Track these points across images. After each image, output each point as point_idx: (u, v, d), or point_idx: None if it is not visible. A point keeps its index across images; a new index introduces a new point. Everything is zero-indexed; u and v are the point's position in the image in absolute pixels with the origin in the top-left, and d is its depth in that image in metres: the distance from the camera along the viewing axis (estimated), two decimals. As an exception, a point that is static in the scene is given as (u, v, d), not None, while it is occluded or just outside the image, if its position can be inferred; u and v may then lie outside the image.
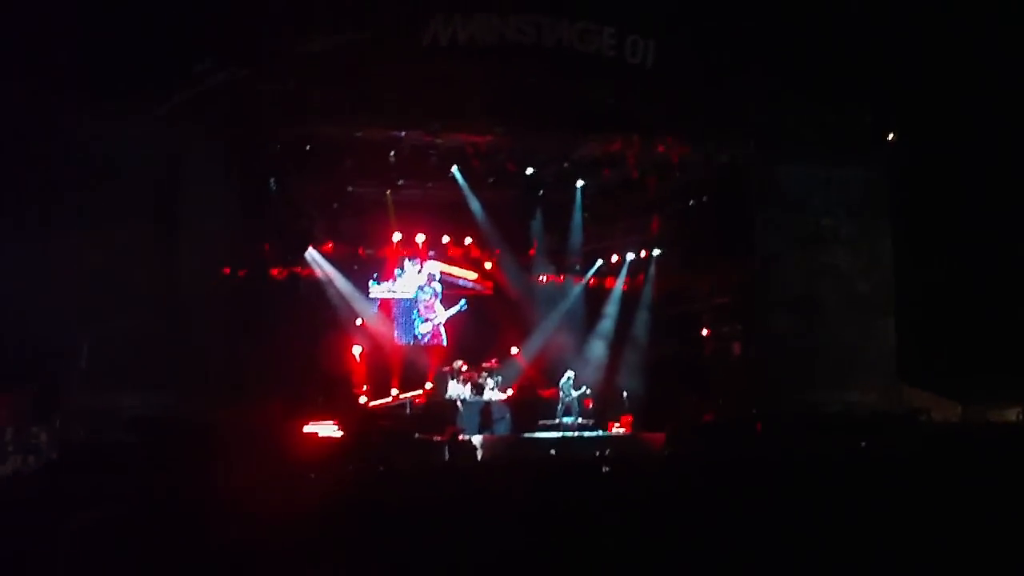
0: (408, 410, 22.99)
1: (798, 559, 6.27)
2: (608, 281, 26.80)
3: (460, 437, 19.55)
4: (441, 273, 26.30)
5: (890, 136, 23.27)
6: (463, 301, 26.18)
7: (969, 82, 21.68)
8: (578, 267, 26.67)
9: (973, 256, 22.13)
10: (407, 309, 26.00)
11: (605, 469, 11.09)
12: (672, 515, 7.38)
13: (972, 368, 21.30)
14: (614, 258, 26.73)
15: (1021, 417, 19.87)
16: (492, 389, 23.46)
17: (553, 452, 17.47)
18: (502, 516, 7.41)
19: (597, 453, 15.93)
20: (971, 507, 7.21)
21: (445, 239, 25.94)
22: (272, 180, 22.65)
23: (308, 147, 21.75)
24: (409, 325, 25.92)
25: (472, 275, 26.51)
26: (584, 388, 23.49)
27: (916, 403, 21.49)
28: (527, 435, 21.96)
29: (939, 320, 22.39)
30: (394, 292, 25.82)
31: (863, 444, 13.14)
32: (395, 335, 25.59)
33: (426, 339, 25.94)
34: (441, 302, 26.20)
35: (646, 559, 6.31)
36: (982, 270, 22.01)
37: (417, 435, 19.90)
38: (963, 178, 22.35)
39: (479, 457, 18.59)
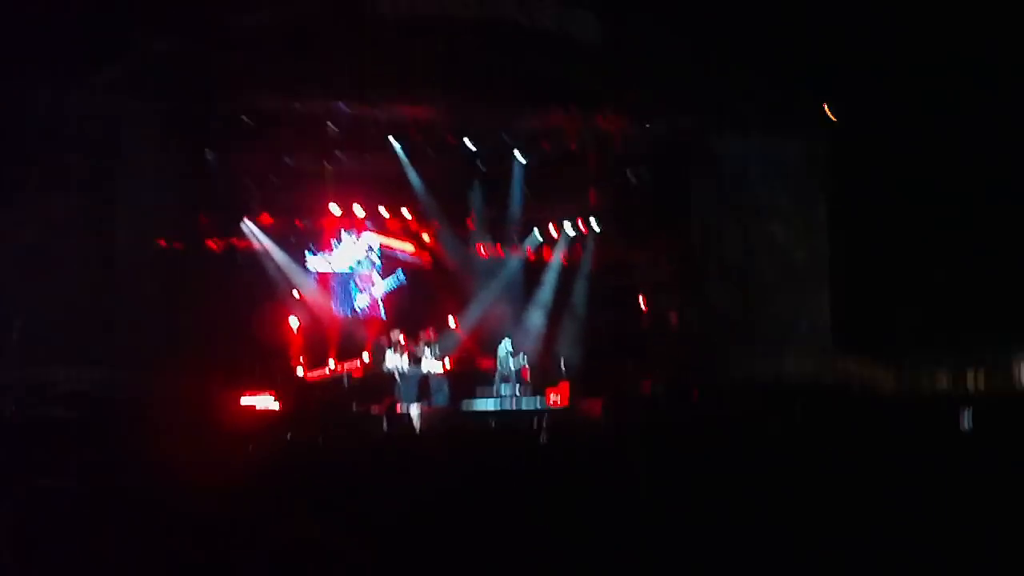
0: (346, 382, 22.97)
1: (733, 526, 6.35)
2: (546, 253, 26.85)
3: (397, 408, 19.60)
4: (379, 245, 26.23)
5: (827, 108, 23.49)
6: (400, 272, 26.18)
7: (907, 53, 21.89)
8: (516, 239, 26.69)
9: (908, 227, 22.41)
10: (344, 281, 25.94)
11: (543, 439, 11.15)
12: (609, 483, 7.45)
13: (906, 337, 21.63)
14: (553, 231, 26.74)
15: (950, 384, 20.24)
16: (430, 360, 23.49)
17: (492, 423, 17.51)
18: (440, 486, 7.45)
19: (534, 422, 16.02)
20: (900, 475, 7.34)
21: (383, 211, 25.84)
22: (209, 151, 22.47)
23: (245, 118, 21.61)
24: (347, 297, 25.87)
25: (410, 247, 26.48)
26: (522, 356, 23.61)
27: (851, 372, 21.82)
28: (464, 406, 22.03)
29: (873, 291, 22.70)
30: (331, 264, 25.75)
31: (797, 411, 13.32)
32: (333, 307, 25.51)
33: (364, 311, 25.91)
34: (379, 274, 26.17)
35: (582, 528, 6.37)
36: (916, 242, 22.30)
37: (354, 406, 19.91)
38: (898, 150, 22.60)
39: (417, 428, 18.64)
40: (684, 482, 7.15)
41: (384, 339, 23.78)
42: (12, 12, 18.10)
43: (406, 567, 5.51)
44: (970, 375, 20.79)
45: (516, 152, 25.02)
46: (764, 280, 23.19)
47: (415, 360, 23.33)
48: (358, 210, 25.51)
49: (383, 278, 26.17)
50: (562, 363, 23.96)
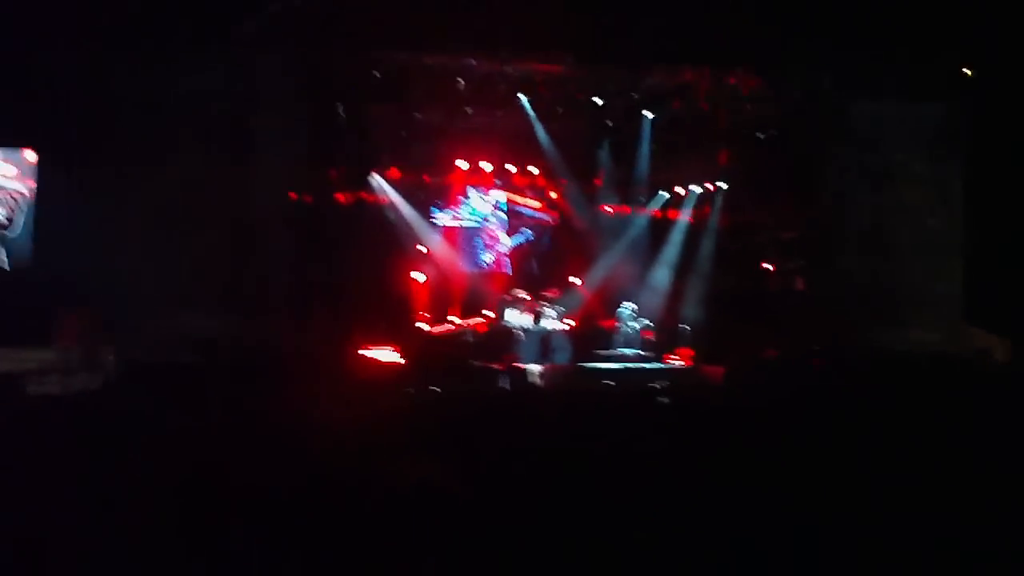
0: (469, 338, 23.23)
1: (851, 493, 6.37)
2: (673, 213, 26.73)
3: (518, 365, 19.79)
4: (507, 202, 26.39)
5: (968, 72, 22.95)
6: (526, 230, 26.35)
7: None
8: (643, 199, 26.61)
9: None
10: (470, 237, 26.16)
11: (664, 400, 11.22)
12: (728, 450, 7.50)
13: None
14: (680, 191, 26.61)
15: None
16: (552, 319, 23.62)
17: (611, 383, 17.62)
18: (557, 445, 7.58)
19: (655, 385, 16.06)
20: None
21: (511, 168, 25.98)
22: (340, 106, 22.81)
23: (377, 74, 21.88)
24: (473, 253, 26.10)
25: (537, 204, 26.59)
26: (645, 320, 23.62)
27: (980, 343, 21.38)
28: (585, 365, 22.15)
29: (1008, 262, 22.16)
30: (458, 219, 25.99)
31: (920, 385, 13.14)
32: (458, 262, 25.76)
33: (489, 267, 26.13)
34: (505, 231, 26.35)
35: (697, 493, 6.45)
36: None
37: (475, 362, 20.16)
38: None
39: (537, 385, 18.83)
40: (797, 456, 7.17)
41: (508, 296, 23.98)
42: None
43: (523, 520, 5.67)
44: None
45: (645, 110, 24.88)
46: (895, 248, 22.84)
47: (538, 318, 23.50)
48: (486, 166, 25.66)
49: (510, 235, 26.33)
50: (686, 328, 23.93)
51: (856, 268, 22.68)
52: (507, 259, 26.26)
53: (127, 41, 19.10)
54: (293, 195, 22.04)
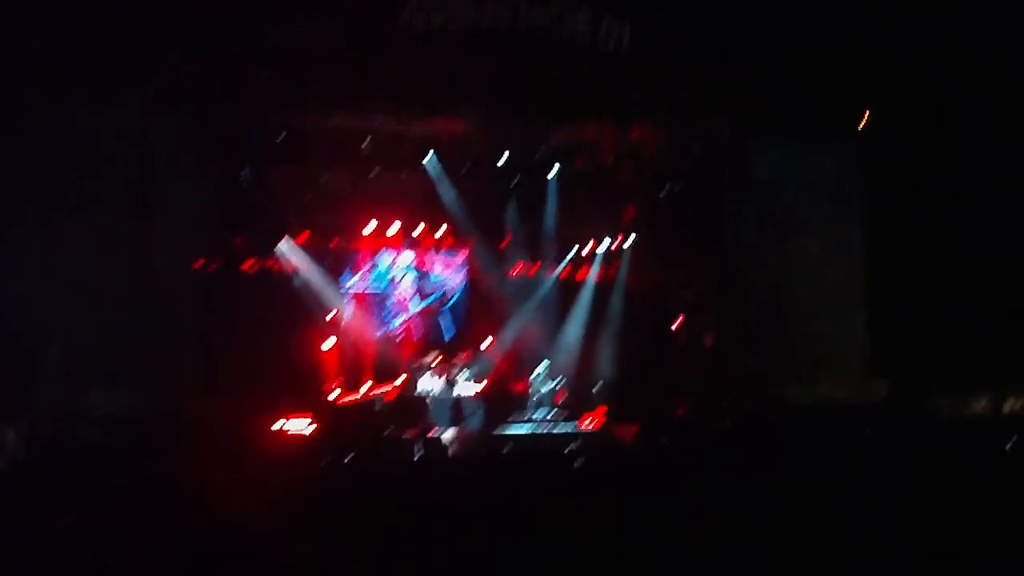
0: (378, 406, 23.13)
1: (769, 550, 6.52)
2: (582, 271, 26.92)
3: (430, 433, 19.75)
4: (415, 265, 26.42)
5: (863, 125, 23.47)
6: (437, 293, 26.39)
7: (948, 68, 21.85)
8: (553, 256, 26.79)
9: (944, 246, 22.34)
10: (380, 302, 26.13)
11: (577, 464, 11.32)
12: (645, 509, 7.61)
13: (941, 359, 21.55)
14: (587, 248, 26.84)
15: (988, 408, 20.16)
16: (464, 382, 23.63)
17: (505, 451, 17.69)
18: (474, 511, 7.64)
19: (567, 449, 16.12)
20: (933, 500, 7.46)
21: (419, 230, 26.03)
22: (245, 170, 22.74)
23: (281, 136, 21.89)
24: (382, 318, 26.05)
25: (445, 266, 26.65)
26: (559, 379, 23.71)
27: (889, 395, 21.74)
28: (498, 431, 22.15)
29: (912, 311, 22.63)
30: (368, 284, 25.95)
31: (833, 438, 13.40)
32: (368, 329, 25.69)
33: (400, 332, 26.09)
34: (416, 295, 26.35)
35: (619, 552, 6.56)
36: (953, 260, 22.22)
37: (387, 432, 20.10)
38: (939, 162, 22.53)
39: (450, 453, 18.79)
40: (717, 512, 7.29)
41: (419, 362, 23.96)
42: (45, 30, 18.41)
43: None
44: (1010, 401, 20.69)
45: (550, 168, 25.13)
46: (799, 300, 23.16)
47: (449, 383, 23.48)
48: (394, 228, 25.68)
49: (421, 299, 26.33)
50: (598, 387, 24.07)
51: (762, 322, 22.95)
52: (418, 323, 26.24)
53: (26, 101, 18.88)
54: (199, 262, 21.85)
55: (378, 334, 25.72)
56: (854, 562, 6.39)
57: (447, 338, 26.01)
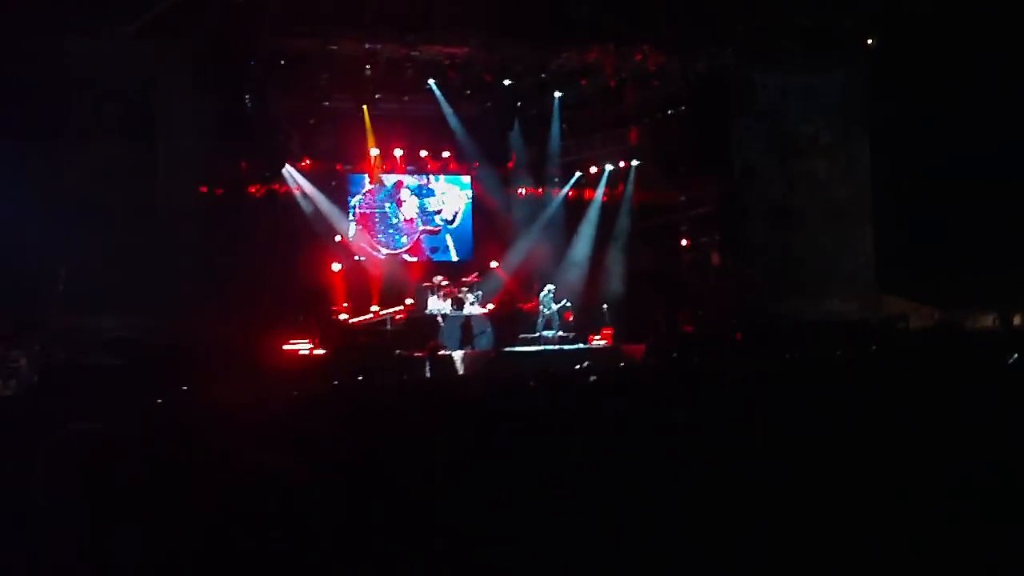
0: (388, 326, 23.07)
1: (774, 471, 6.33)
2: (587, 193, 26.75)
3: (440, 352, 19.69)
4: (421, 187, 26.25)
5: (869, 41, 23.22)
6: (442, 214, 26.24)
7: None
8: (557, 179, 26.61)
9: (950, 162, 22.14)
10: (387, 224, 25.96)
11: (592, 378, 11.18)
12: (653, 428, 7.45)
13: (951, 274, 21.45)
14: (593, 169, 26.63)
15: (997, 323, 20.07)
16: (472, 304, 23.54)
17: (535, 366, 17.63)
18: (484, 427, 7.49)
19: (577, 366, 16.05)
20: (942, 418, 7.28)
21: (423, 153, 25.82)
22: (247, 96, 22.47)
23: (283, 62, 21.61)
24: (389, 240, 25.89)
25: (452, 188, 26.49)
26: (564, 302, 23.65)
27: (895, 310, 21.69)
28: (508, 349, 22.12)
29: (917, 226, 22.49)
30: (373, 207, 25.78)
31: (838, 352, 13.27)
32: (375, 251, 25.56)
33: (407, 251, 25.97)
34: (421, 216, 26.19)
35: (626, 472, 6.37)
36: (959, 176, 22.03)
37: (397, 351, 20.04)
38: (941, 85, 22.30)
39: (460, 371, 18.75)
40: (723, 435, 7.14)
41: (427, 283, 23.85)
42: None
43: (445, 517, 5.56)
44: (1017, 316, 20.60)
45: (554, 91, 24.87)
46: (806, 218, 23.10)
47: (458, 304, 23.40)
48: (398, 152, 25.48)
49: (425, 221, 26.17)
50: (605, 308, 24.00)
51: (769, 241, 22.90)
52: (423, 243, 26.11)
53: (25, 31, 18.59)
54: (203, 188, 21.67)
55: (384, 254, 25.53)
56: (855, 479, 6.18)
57: (454, 259, 25.87)
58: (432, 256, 26.01)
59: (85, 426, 5.39)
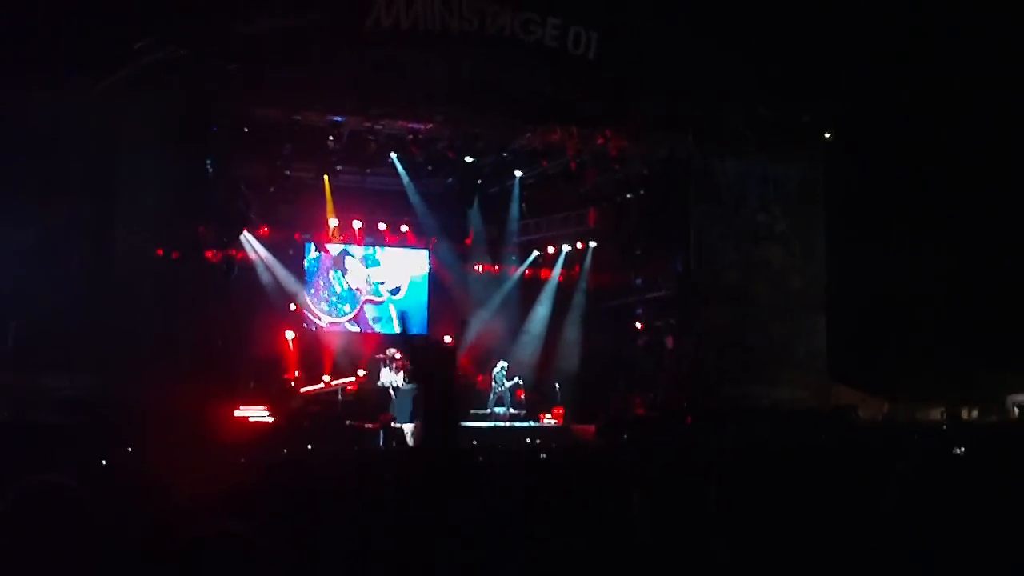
0: (340, 396, 22.92)
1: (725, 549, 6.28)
2: (544, 272, 26.84)
3: (392, 425, 19.54)
4: (379, 260, 26.23)
5: (827, 135, 23.54)
6: (399, 288, 26.23)
7: (907, 81, 21.93)
8: (514, 257, 26.69)
9: (904, 256, 22.42)
10: (342, 295, 25.89)
11: (542, 456, 11.13)
12: (603, 504, 7.38)
13: (901, 365, 21.61)
14: (550, 250, 26.74)
15: (945, 416, 20.19)
16: (425, 377, 23.40)
17: (487, 442, 17.52)
18: (436, 501, 7.41)
19: (528, 440, 16.06)
20: (888, 510, 7.25)
21: (382, 226, 25.83)
22: (209, 161, 22.38)
23: (246, 129, 21.57)
24: (332, 308, 25.80)
25: (409, 263, 26.50)
26: (517, 379, 23.59)
27: (845, 400, 21.80)
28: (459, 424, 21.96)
29: (869, 316, 22.70)
30: (329, 278, 25.72)
31: (788, 441, 13.29)
32: (329, 322, 25.47)
33: (361, 326, 25.89)
34: (377, 290, 26.14)
35: (582, 547, 6.29)
36: (912, 268, 22.30)
37: (348, 422, 19.88)
38: (896, 177, 22.63)
39: (410, 444, 18.61)
40: (676, 517, 7.08)
41: (380, 355, 23.74)
42: (11, 16, 18.05)
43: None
44: (965, 410, 20.74)
45: (516, 170, 25.00)
46: (761, 305, 23.22)
47: (411, 377, 23.27)
48: (357, 224, 25.46)
49: (379, 288, 26.12)
50: (557, 387, 23.98)
51: (723, 326, 22.98)
52: (370, 314, 26.05)
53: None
54: (160, 250, 21.51)
55: (325, 322, 25.44)
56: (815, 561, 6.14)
57: (396, 330, 25.79)
58: (374, 327, 25.97)
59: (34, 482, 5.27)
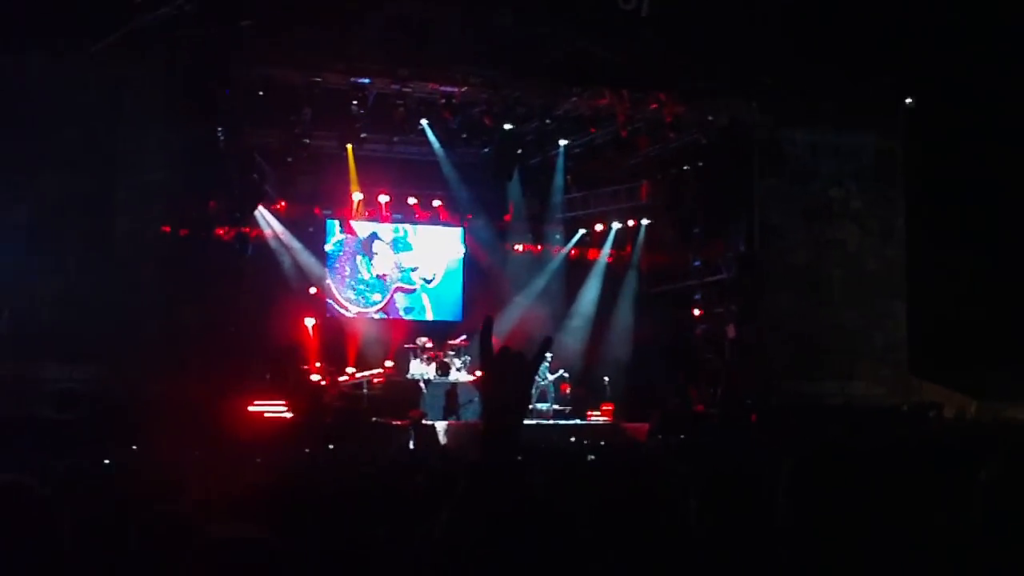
0: (365, 390, 22.94)
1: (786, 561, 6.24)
2: (591, 253, 26.77)
3: (424, 422, 19.59)
4: (408, 239, 26.26)
5: (908, 101, 23.31)
6: (431, 270, 26.27)
7: (992, 47, 21.69)
8: (559, 236, 26.64)
9: (993, 238, 22.20)
10: (368, 278, 25.94)
11: (590, 458, 11.10)
12: (657, 514, 7.34)
13: (989, 361, 21.39)
14: (598, 227, 26.66)
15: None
16: (459, 370, 23.44)
17: (529, 442, 17.53)
18: (469, 511, 7.37)
19: (573, 440, 16.00)
20: (977, 513, 7.18)
21: (411, 200, 25.83)
22: (220, 129, 22.42)
23: (261, 93, 21.58)
24: (359, 297, 25.85)
25: (442, 242, 26.50)
26: (561, 372, 23.57)
27: (926, 397, 21.62)
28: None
29: (954, 306, 22.47)
30: (354, 258, 25.76)
31: (864, 442, 13.21)
32: (353, 307, 25.51)
33: (388, 312, 25.93)
34: (406, 272, 26.18)
35: (629, 559, 6.27)
36: (1003, 253, 22.08)
37: (374, 419, 19.93)
38: (984, 152, 22.37)
39: (443, 443, 18.65)
40: (739, 530, 7.04)
41: (410, 345, 23.75)
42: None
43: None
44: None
45: (560, 138, 24.92)
46: (833, 290, 23.02)
47: (443, 369, 23.29)
48: (384, 199, 25.47)
49: (411, 275, 26.14)
50: (606, 381, 23.91)
51: (792, 313, 22.78)
52: (400, 301, 26.08)
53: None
54: (167, 228, 21.57)
55: (353, 312, 25.49)
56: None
57: (429, 318, 25.83)
58: (405, 316, 25.97)
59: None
